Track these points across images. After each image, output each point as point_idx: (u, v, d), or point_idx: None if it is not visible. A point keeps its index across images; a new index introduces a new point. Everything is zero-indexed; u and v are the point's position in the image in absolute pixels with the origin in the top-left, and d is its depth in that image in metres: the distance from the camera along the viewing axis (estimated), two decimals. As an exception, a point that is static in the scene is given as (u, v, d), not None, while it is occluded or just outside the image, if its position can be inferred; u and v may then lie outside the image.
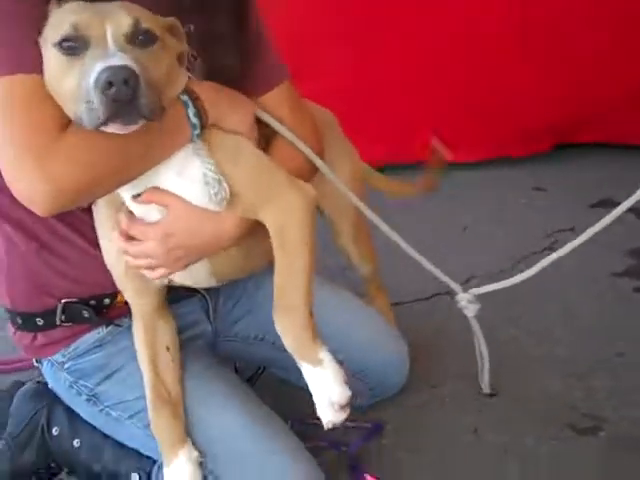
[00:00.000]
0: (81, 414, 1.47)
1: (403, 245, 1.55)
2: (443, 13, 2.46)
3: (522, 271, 1.97)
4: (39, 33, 1.05)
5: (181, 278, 1.30)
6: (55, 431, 1.51)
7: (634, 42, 2.39)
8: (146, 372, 1.34)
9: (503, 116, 2.47)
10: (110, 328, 1.40)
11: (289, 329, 1.19)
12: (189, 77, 1.18)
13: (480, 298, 1.57)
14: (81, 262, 1.34)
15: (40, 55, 1.04)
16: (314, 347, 1.19)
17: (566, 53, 2.43)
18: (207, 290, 1.49)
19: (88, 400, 1.42)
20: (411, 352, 1.62)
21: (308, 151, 1.34)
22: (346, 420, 1.18)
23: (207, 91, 1.19)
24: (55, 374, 1.44)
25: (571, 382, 1.70)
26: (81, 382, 1.41)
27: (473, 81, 2.53)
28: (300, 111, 1.40)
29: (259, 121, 1.29)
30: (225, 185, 1.16)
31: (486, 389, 1.66)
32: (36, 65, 1.04)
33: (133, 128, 1.00)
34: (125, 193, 1.18)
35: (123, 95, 0.93)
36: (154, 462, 1.44)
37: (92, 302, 1.36)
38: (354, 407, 1.20)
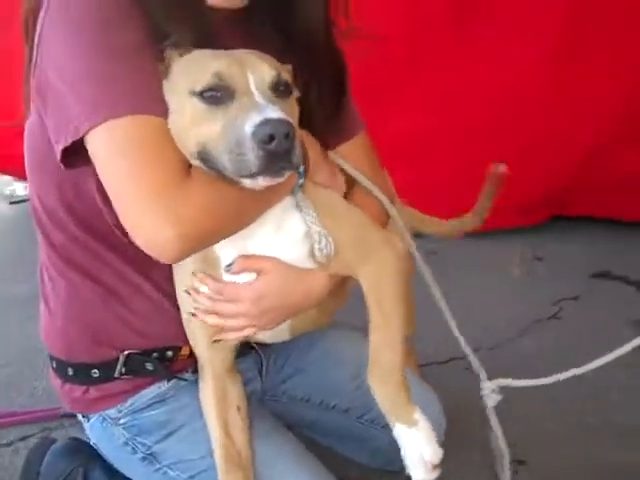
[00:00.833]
0: (130, 473, 1.38)
1: (444, 308, 1.46)
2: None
3: (529, 340, 2.09)
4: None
5: (262, 334, 1.28)
6: None
7: (634, 127, 2.53)
8: (216, 433, 1.28)
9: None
10: (172, 383, 1.33)
11: (386, 391, 1.20)
12: None
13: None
14: (149, 313, 1.28)
15: (162, 99, 1.02)
16: (409, 408, 1.20)
17: (564, 132, 2.55)
18: (261, 346, 1.45)
19: (144, 459, 1.33)
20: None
21: (384, 199, 1.32)
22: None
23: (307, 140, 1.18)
24: (106, 430, 1.34)
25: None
26: (138, 439, 1.33)
27: (470, 152, 2.60)
28: (375, 162, 1.39)
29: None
30: (330, 239, 1.15)
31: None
32: (159, 108, 1.02)
33: (280, 180, 0.98)
34: (221, 251, 1.15)
35: (282, 149, 0.91)
36: None
37: (155, 355, 1.29)
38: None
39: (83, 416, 1.40)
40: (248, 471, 1.29)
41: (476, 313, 2.26)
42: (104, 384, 1.30)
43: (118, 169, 1.00)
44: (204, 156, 0.99)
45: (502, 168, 1.80)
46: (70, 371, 1.32)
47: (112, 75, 1.01)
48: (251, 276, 1.17)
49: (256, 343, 1.41)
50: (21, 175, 3.11)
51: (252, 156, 0.92)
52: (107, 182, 1.02)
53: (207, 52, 1.05)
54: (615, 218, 2.67)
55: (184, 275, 1.22)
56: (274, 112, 0.93)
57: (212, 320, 1.20)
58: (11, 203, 3.30)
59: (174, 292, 1.25)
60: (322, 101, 1.23)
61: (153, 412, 1.33)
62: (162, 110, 1.02)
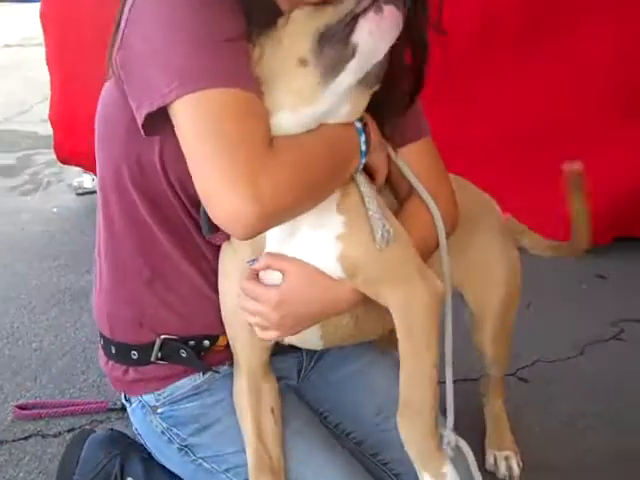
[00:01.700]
0: (167, 462, 1.40)
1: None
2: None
3: (589, 358, 2.03)
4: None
5: (289, 338, 1.25)
6: None
7: None
8: (249, 435, 1.27)
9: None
10: (207, 376, 1.33)
11: (414, 436, 1.16)
12: None
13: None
14: (192, 299, 1.29)
15: (254, 76, 1.03)
16: (438, 458, 1.15)
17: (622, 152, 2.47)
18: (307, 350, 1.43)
19: (180, 449, 1.35)
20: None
21: (437, 214, 1.25)
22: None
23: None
24: (146, 417, 1.37)
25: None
26: (174, 430, 1.34)
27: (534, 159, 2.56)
28: (439, 170, 1.34)
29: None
30: (389, 226, 1.11)
31: None
32: (251, 83, 1.02)
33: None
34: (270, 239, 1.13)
35: None
36: None
37: (191, 342, 1.30)
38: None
39: (126, 399, 1.42)
40: (278, 475, 1.27)
41: (535, 324, 2.20)
42: (142, 367, 1.32)
43: (202, 142, 1.00)
44: None
45: (577, 165, 1.52)
46: (113, 349, 1.35)
47: (203, 46, 1.00)
48: (276, 275, 1.15)
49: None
50: (91, 167, 3.22)
51: None
52: (189, 153, 1.02)
53: None
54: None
55: (227, 262, 1.22)
56: None
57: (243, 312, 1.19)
58: (78, 194, 3.36)
59: (217, 281, 1.25)
60: (394, 98, 1.20)
61: (189, 405, 1.33)
62: (254, 86, 1.02)
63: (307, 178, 1.04)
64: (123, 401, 1.44)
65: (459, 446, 1.25)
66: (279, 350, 1.34)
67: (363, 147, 1.13)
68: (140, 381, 1.34)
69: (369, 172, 1.20)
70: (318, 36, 1.01)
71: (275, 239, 1.14)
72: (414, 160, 1.27)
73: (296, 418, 1.35)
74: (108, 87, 1.20)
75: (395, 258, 1.14)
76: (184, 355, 1.30)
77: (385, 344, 1.52)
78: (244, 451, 1.29)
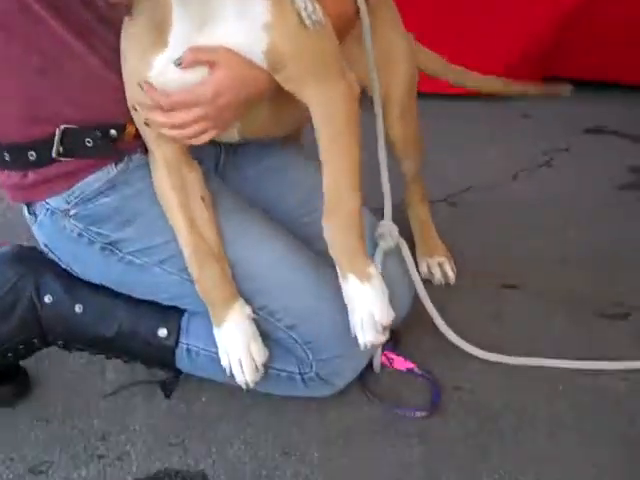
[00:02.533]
0: (89, 270, 1.32)
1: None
2: None
3: (519, 185, 2.03)
4: None
5: None
6: (48, 299, 1.32)
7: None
8: (181, 226, 1.22)
9: (491, 50, 2.46)
10: (121, 167, 1.24)
11: (339, 235, 1.15)
12: None
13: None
14: (90, 83, 1.20)
15: None
16: (364, 259, 1.15)
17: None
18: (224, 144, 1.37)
19: (103, 249, 1.27)
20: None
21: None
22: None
23: None
24: (56, 224, 1.27)
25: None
26: (93, 229, 1.26)
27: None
28: None
29: None
30: (318, 6, 1.08)
31: None
32: None
33: None
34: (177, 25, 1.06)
35: None
36: (180, 314, 1.33)
37: (97, 133, 1.21)
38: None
39: (30, 213, 1.30)
40: (223, 262, 1.22)
41: (467, 159, 2.20)
42: (43, 167, 1.23)
43: None
44: None
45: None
46: (6, 156, 1.25)
47: None
48: (197, 72, 1.09)
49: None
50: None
51: None
52: None
53: None
54: (606, 80, 2.55)
55: (132, 38, 1.13)
56: None
57: (169, 132, 1.13)
58: None
59: (118, 61, 1.15)
60: None
61: (106, 199, 1.26)
62: None
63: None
64: (27, 216, 1.32)
65: (394, 237, 1.34)
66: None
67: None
68: (44, 183, 1.25)
69: None
70: None
71: (184, 27, 1.06)
72: None
73: (225, 198, 1.29)
74: None
75: (319, 52, 1.12)
76: (90, 145, 1.21)
77: (296, 146, 1.55)
78: (175, 240, 1.22)
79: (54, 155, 1.21)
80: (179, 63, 1.07)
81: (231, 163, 1.42)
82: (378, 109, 1.41)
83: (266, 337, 1.28)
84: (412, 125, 1.57)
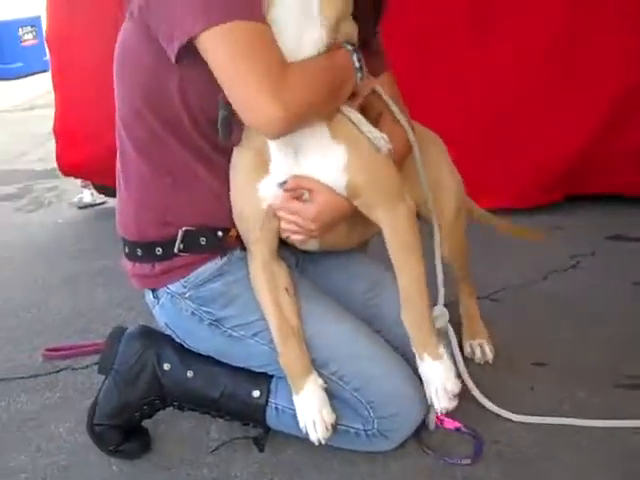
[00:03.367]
0: (199, 342, 1.62)
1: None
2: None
3: (550, 283, 2.34)
4: None
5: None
6: (166, 367, 1.63)
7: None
8: (270, 312, 1.53)
9: (520, 167, 2.85)
10: (226, 259, 1.56)
11: (414, 328, 1.48)
12: None
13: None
14: (207, 198, 1.53)
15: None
16: (435, 342, 1.47)
17: (569, 114, 2.82)
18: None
19: (210, 325, 1.57)
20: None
21: (409, 130, 1.55)
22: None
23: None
24: (175, 305, 1.58)
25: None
26: (204, 309, 1.56)
27: (483, 137, 2.89)
28: (400, 97, 1.63)
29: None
30: (386, 138, 1.43)
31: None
32: (262, 16, 1.31)
33: None
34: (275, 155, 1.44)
35: None
36: (269, 378, 1.61)
37: (208, 233, 1.53)
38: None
39: (154, 297, 1.63)
40: (301, 340, 1.53)
41: (499, 260, 2.54)
42: (167, 260, 1.55)
43: (237, 65, 1.30)
44: None
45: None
46: (139, 252, 1.57)
47: None
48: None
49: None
50: (90, 176, 3.50)
51: None
52: (225, 74, 1.32)
53: None
54: (624, 194, 2.92)
55: (239, 164, 1.50)
56: None
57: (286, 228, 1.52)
58: (79, 208, 3.66)
59: (227, 180, 1.52)
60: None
61: (213, 285, 1.56)
62: (264, 19, 1.32)
63: (315, 93, 1.34)
64: (151, 300, 1.64)
65: (445, 326, 1.58)
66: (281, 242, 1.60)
67: (357, 64, 1.41)
68: (167, 272, 1.56)
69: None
70: None
71: (281, 158, 1.43)
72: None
73: (304, 286, 1.62)
74: (126, 27, 1.46)
75: (386, 179, 1.45)
76: (203, 243, 1.54)
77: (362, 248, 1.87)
78: (264, 318, 1.54)
79: (176, 251, 1.53)
80: (283, 185, 1.44)
81: (308, 260, 1.74)
82: (435, 226, 1.67)
83: (336, 397, 1.56)
84: (459, 242, 1.87)
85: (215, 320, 1.58)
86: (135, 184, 1.57)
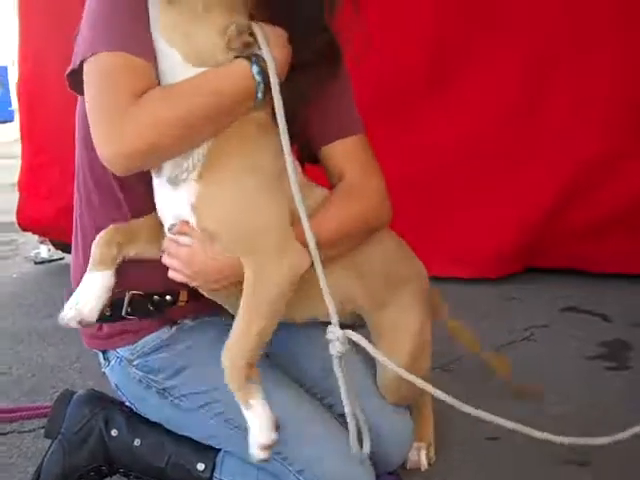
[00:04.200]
0: (147, 409, 1.57)
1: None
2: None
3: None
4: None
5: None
6: (114, 432, 1.58)
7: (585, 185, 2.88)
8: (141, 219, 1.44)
9: (481, 240, 2.90)
10: (174, 329, 1.52)
11: (228, 378, 1.31)
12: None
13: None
14: (156, 263, 1.42)
15: (146, 42, 1.26)
16: (246, 393, 1.30)
17: (531, 184, 2.90)
18: None
19: (157, 393, 1.53)
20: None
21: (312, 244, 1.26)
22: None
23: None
24: (124, 370, 1.55)
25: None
26: (151, 377, 1.53)
27: (440, 199, 2.94)
28: (370, 165, 1.46)
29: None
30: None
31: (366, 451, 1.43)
32: (137, 48, 1.24)
33: None
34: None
35: None
36: (216, 452, 1.55)
37: (156, 297, 1.49)
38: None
39: (104, 359, 1.59)
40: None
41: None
42: (114, 322, 1.50)
43: (87, 96, 1.27)
44: None
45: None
46: None
47: (107, 20, 1.27)
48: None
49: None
50: (48, 232, 3.46)
51: None
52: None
53: None
54: (579, 269, 2.98)
55: None
56: None
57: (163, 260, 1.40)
58: (36, 263, 3.62)
59: None
60: (308, 77, 1.37)
61: (160, 355, 1.52)
62: (141, 50, 1.24)
63: (169, 125, 1.22)
64: (101, 361, 1.61)
65: (349, 337, 1.30)
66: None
67: (257, 78, 1.25)
68: (114, 336, 1.53)
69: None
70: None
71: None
72: (346, 154, 1.44)
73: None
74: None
75: (251, 229, 1.28)
76: (151, 309, 1.50)
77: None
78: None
79: (123, 314, 1.48)
80: (170, 229, 1.34)
81: None
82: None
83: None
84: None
85: (162, 389, 1.54)
86: (82, 239, 1.54)
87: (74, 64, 1.30)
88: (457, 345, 2.26)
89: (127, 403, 1.62)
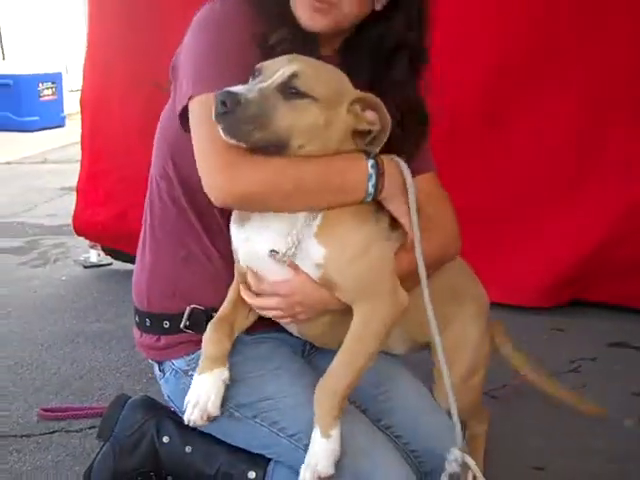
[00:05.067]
0: None
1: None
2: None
3: None
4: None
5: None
6: (165, 439, 1.62)
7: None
8: (226, 304, 1.48)
9: (532, 271, 2.91)
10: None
11: (321, 403, 1.36)
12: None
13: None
14: (213, 276, 1.52)
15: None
16: (333, 424, 1.34)
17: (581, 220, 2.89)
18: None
19: None
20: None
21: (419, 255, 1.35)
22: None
23: (390, 166, 1.36)
24: (178, 382, 1.56)
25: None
26: None
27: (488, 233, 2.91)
28: (446, 201, 1.55)
29: None
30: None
31: None
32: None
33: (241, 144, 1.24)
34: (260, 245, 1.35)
35: (220, 111, 1.18)
36: (267, 460, 1.56)
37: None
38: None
39: (160, 371, 1.61)
40: (233, 331, 1.48)
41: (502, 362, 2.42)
42: (172, 335, 1.55)
43: (197, 135, 1.34)
44: None
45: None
46: (148, 322, 1.58)
47: (212, 61, 1.35)
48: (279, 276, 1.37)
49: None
50: (101, 238, 3.54)
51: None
52: (194, 144, 1.35)
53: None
54: (626, 305, 2.95)
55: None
56: (235, 88, 1.19)
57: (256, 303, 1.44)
58: (85, 267, 3.69)
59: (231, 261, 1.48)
60: (404, 138, 1.43)
61: None
62: None
63: (282, 177, 1.28)
64: (157, 374, 1.63)
65: (465, 462, 1.37)
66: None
67: (371, 190, 1.33)
68: (171, 347, 1.56)
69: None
70: None
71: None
72: (425, 187, 1.47)
73: (299, 366, 1.57)
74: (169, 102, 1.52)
75: (372, 279, 1.34)
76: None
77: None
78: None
79: (182, 326, 1.52)
80: (272, 255, 1.33)
81: (317, 352, 1.66)
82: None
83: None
84: (469, 404, 1.65)
85: None
86: (150, 250, 1.59)
87: (183, 101, 1.36)
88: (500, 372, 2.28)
89: (180, 414, 1.61)
